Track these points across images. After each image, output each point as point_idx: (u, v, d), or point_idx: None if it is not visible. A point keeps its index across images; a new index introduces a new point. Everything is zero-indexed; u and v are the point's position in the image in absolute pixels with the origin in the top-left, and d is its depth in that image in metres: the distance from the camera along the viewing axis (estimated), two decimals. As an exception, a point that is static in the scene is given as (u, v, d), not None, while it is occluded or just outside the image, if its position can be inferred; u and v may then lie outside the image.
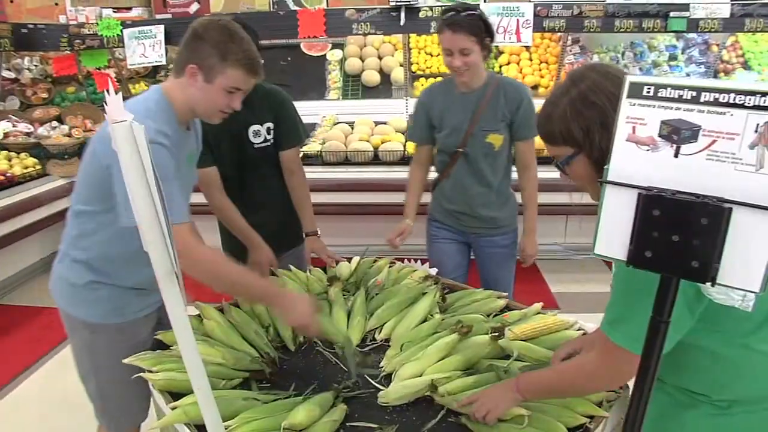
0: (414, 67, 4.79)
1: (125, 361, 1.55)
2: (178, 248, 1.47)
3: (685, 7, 3.84)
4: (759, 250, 0.67)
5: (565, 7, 3.84)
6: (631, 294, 1.03)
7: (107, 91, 0.98)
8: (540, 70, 4.72)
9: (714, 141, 0.68)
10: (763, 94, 0.64)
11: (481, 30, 2.14)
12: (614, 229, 0.76)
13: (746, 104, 0.65)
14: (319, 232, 2.42)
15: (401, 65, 4.67)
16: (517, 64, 4.76)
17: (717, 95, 0.67)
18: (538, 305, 1.91)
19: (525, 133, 2.30)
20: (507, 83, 2.32)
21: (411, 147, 3.64)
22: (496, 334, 1.64)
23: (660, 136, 0.71)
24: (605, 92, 1.07)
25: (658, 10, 3.85)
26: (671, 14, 3.85)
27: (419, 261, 2.28)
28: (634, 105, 0.73)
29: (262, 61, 1.66)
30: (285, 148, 2.33)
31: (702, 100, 0.68)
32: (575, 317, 1.83)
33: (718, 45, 4.88)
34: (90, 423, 1.83)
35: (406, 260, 2.30)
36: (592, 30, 3.90)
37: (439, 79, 4.55)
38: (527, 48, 4.75)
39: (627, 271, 0.80)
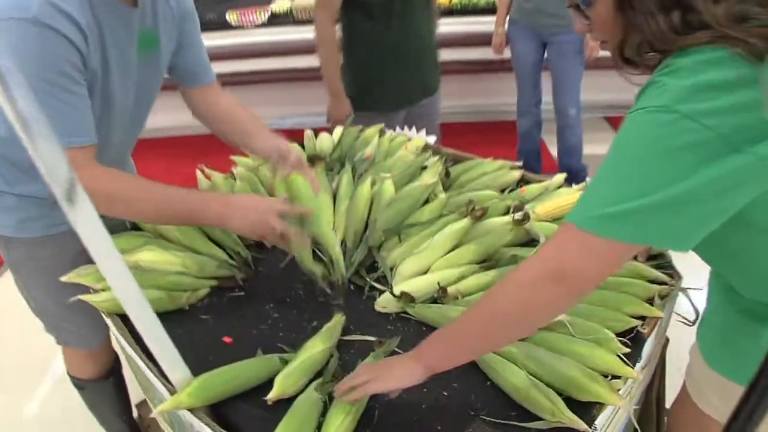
0: None
1: (63, 279, 1.23)
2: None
3: None
4: None
5: None
6: (609, 169, 0.74)
7: None
8: None
9: None
10: None
11: None
12: None
13: None
14: None
15: None
16: None
17: None
18: (561, 176, 1.59)
19: None
20: None
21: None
22: (520, 216, 1.33)
23: None
24: None
25: None
26: None
27: (413, 129, 1.93)
28: None
29: None
30: None
31: None
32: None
33: None
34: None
35: (398, 128, 1.94)
36: None
37: None
38: None
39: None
